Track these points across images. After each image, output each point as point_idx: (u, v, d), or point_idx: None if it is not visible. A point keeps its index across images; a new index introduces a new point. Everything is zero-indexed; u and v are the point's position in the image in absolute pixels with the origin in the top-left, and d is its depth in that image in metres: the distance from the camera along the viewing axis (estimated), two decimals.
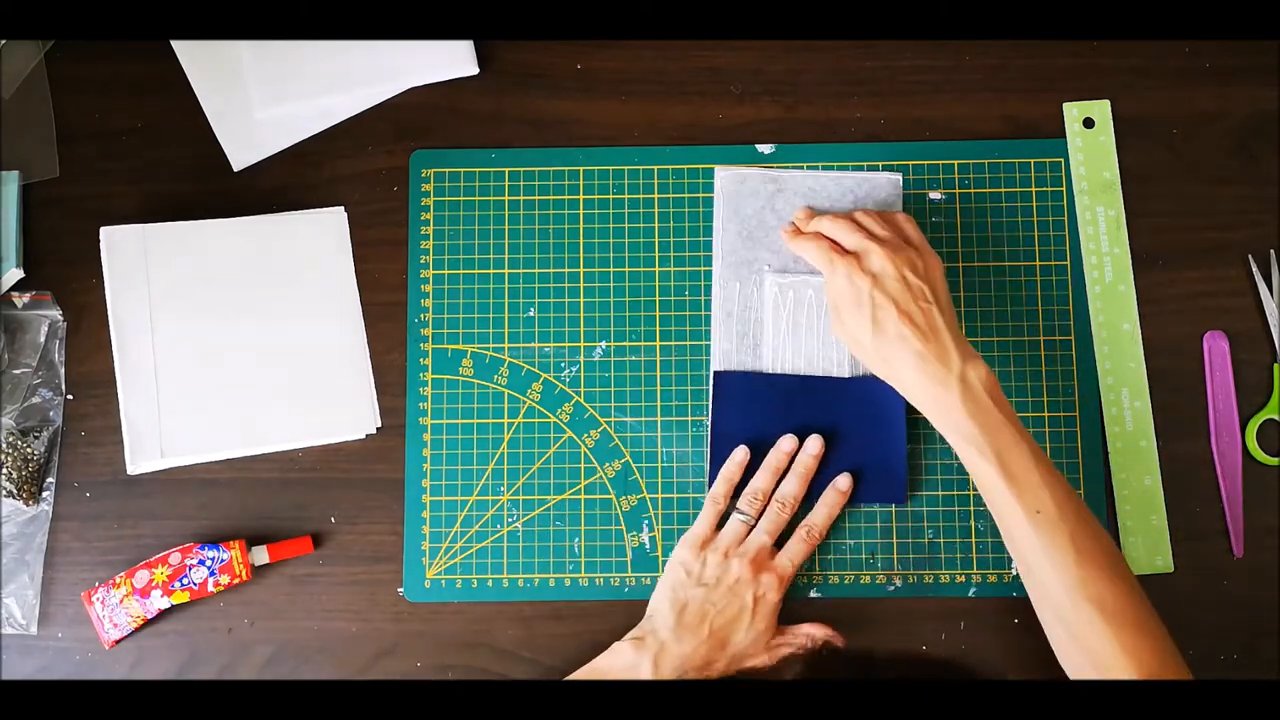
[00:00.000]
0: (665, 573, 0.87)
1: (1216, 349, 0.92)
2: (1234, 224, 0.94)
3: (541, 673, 0.89)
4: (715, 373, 0.92)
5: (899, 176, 0.94)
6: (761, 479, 0.89)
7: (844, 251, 0.85)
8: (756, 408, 0.91)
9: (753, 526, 0.88)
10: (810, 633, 0.87)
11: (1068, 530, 0.76)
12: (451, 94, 0.97)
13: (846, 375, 0.91)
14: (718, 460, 0.90)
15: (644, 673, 0.83)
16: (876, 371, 0.84)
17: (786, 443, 0.89)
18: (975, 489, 0.90)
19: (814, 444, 0.89)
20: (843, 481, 0.89)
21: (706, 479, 0.91)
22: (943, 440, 0.91)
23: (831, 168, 0.94)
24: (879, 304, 0.82)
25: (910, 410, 0.91)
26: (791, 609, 0.90)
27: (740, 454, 0.89)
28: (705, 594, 0.85)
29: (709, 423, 0.91)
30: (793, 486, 0.88)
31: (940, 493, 0.91)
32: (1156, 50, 0.96)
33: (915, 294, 0.82)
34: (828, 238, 0.87)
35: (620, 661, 0.84)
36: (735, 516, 0.88)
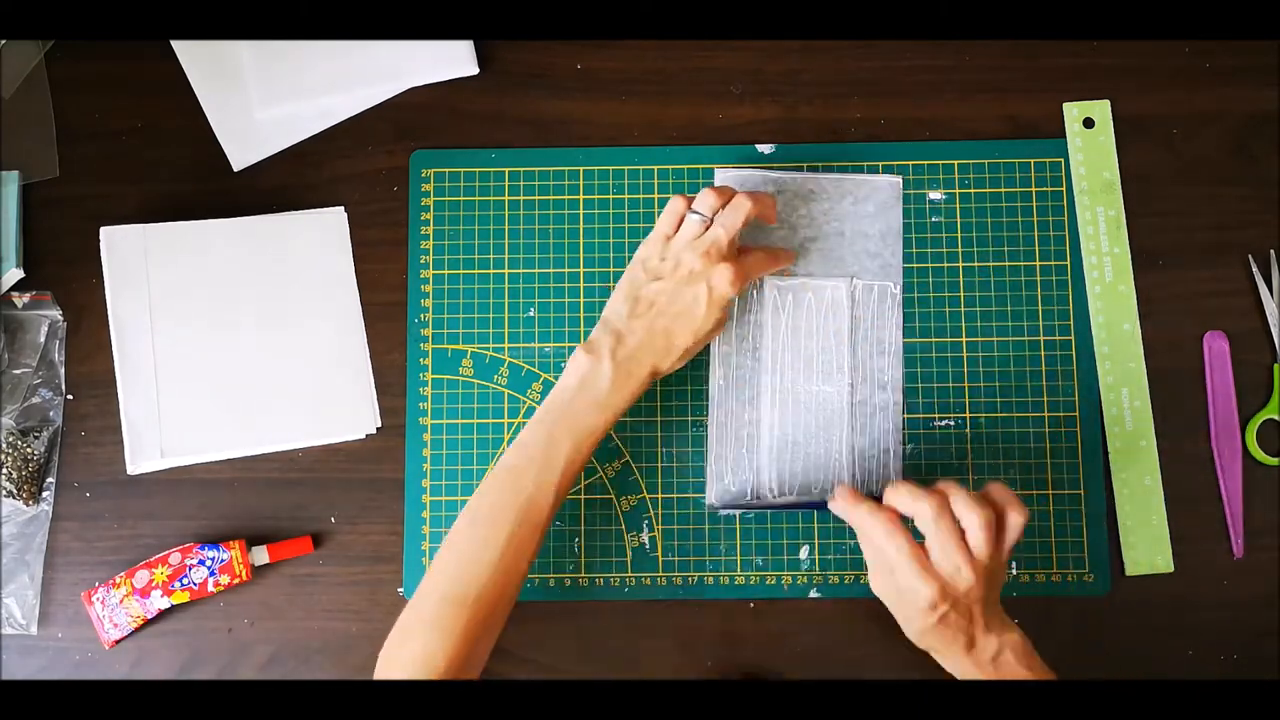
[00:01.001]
0: (625, 272, 0.87)
1: (1216, 349, 0.92)
2: (1234, 224, 0.94)
3: (541, 673, 0.89)
4: (711, 383, 0.92)
5: (899, 179, 0.94)
6: (725, 188, 0.87)
7: (928, 563, 0.77)
8: (753, 419, 0.91)
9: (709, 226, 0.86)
10: (763, 256, 0.88)
11: None
12: (451, 94, 0.97)
13: (846, 382, 0.91)
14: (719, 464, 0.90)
15: (604, 369, 0.82)
16: (911, 637, 0.80)
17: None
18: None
19: (770, 197, 0.88)
20: (769, 197, 0.88)
21: (706, 480, 0.91)
22: (941, 441, 0.91)
23: (832, 168, 0.95)
24: (938, 612, 0.76)
25: (907, 411, 0.91)
26: (791, 607, 0.90)
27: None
28: (661, 286, 0.84)
29: (706, 435, 0.91)
30: (748, 196, 0.86)
31: None
32: (1156, 50, 0.96)
33: (972, 600, 0.77)
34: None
35: (578, 369, 0.83)
36: (690, 216, 0.85)
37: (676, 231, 0.86)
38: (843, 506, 0.80)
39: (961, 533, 0.76)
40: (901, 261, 0.93)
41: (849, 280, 0.92)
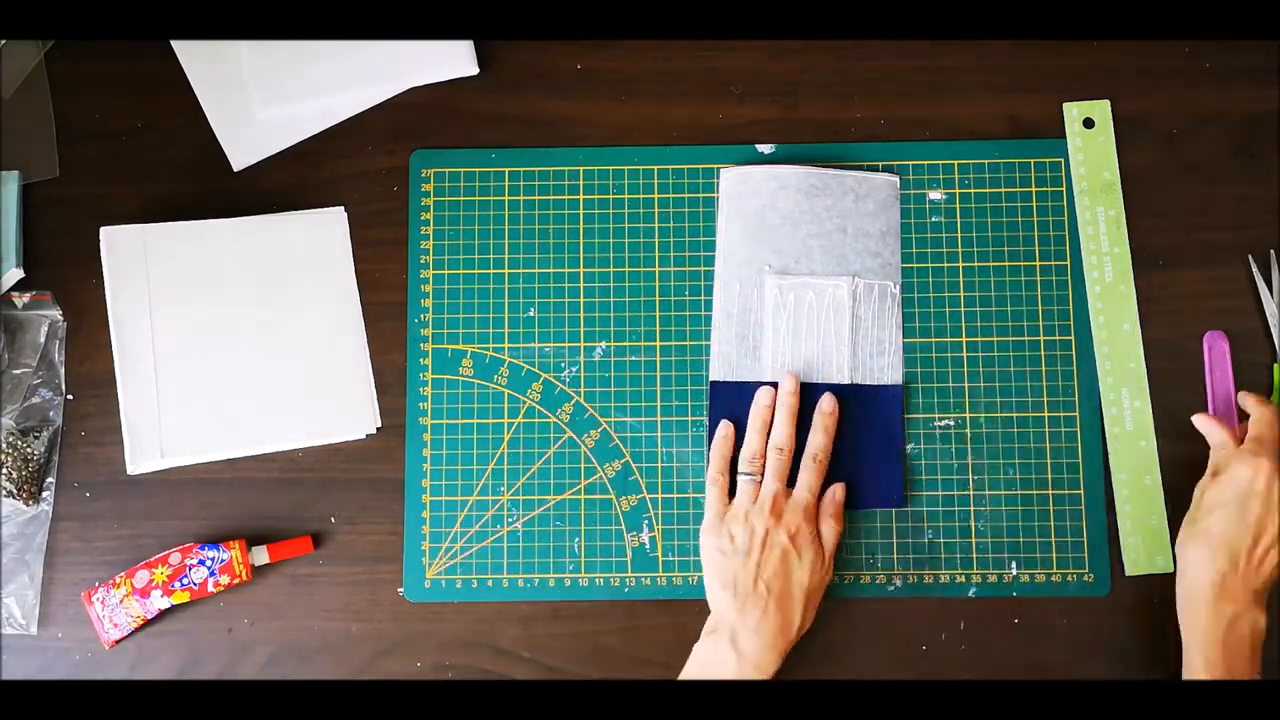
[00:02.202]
0: (704, 565, 0.87)
1: (1216, 349, 0.92)
2: (1234, 224, 0.94)
3: (541, 673, 0.89)
4: (712, 383, 0.92)
5: (896, 179, 0.94)
6: (752, 439, 0.89)
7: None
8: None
9: (760, 484, 0.88)
10: (832, 514, 0.88)
11: None
12: (451, 94, 0.97)
13: (846, 381, 0.91)
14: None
15: (728, 662, 0.82)
16: (1184, 528, 0.86)
17: (764, 396, 0.90)
18: (975, 489, 0.91)
19: (789, 382, 0.90)
20: (826, 404, 0.89)
21: (706, 481, 0.91)
22: (942, 441, 0.91)
23: (832, 167, 0.94)
24: (1247, 517, 0.83)
25: (907, 412, 0.91)
26: None
27: (724, 429, 0.90)
28: (744, 561, 0.84)
29: (706, 434, 0.91)
30: (782, 431, 0.88)
31: (940, 493, 0.91)
32: (1156, 50, 0.96)
33: (1276, 536, 0.83)
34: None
35: (701, 659, 0.84)
36: (741, 480, 0.88)
37: (727, 506, 0.87)
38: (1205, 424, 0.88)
39: None
40: (900, 261, 0.93)
41: (851, 279, 0.92)
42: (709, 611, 0.87)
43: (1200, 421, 0.89)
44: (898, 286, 0.92)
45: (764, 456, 0.88)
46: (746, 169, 0.94)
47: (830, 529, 0.87)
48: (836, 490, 0.89)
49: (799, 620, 0.84)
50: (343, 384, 0.93)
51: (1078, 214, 0.94)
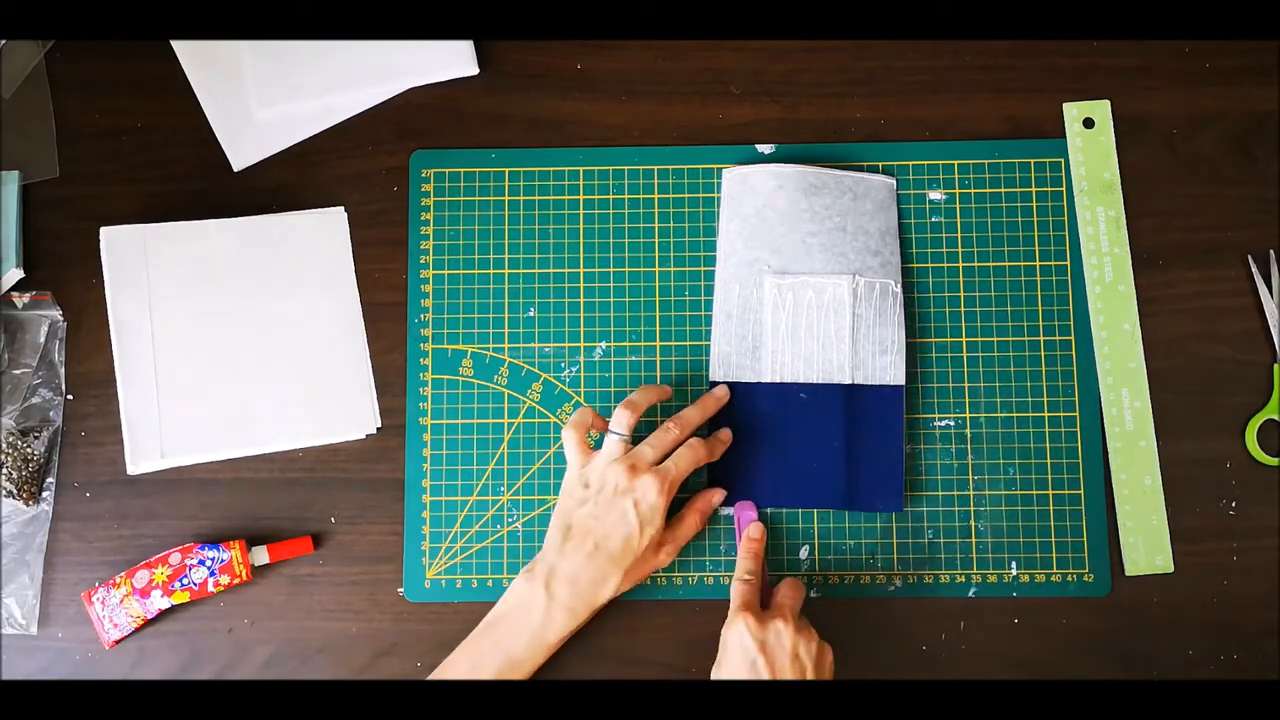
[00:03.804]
0: (556, 509, 0.86)
1: (744, 518, 0.89)
2: (1234, 224, 0.94)
3: (542, 673, 0.89)
4: (711, 383, 0.92)
5: (893, 180, 0.94)
6: (643, 401, 0.87)
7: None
8: (753, 418, 0.91)
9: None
10: (699, 509, 0.87)
11: None
12: (451, 94, 0.97)
13: (846, 381, 0.91)
14: (716, 469, 0.90)
15: (537, 601, 0.82)
16: None
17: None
18: (975, 489, 0.91)
19: (720, 389, 0.90)
20: (719, 390, 0.89)
21: (706, 481, 0.91)
22: (941, 441, 0.91)
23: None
24: (760, 673, 0.80)
25: (908, 410, 0.91)
26: None
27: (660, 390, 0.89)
28: (588, 510, 0.84)
29: (706, 434, 0.91)
30: (683, 412, 0.87)
31: (940, 493, 0.91)
32: (1156, 50, 0.96)
33: (801, 674, 0.80)
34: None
35: (514, 597, 0.84)
36: (609, 436, 0.85)
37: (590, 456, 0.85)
38: None
39: None
40: (900, 260, 0.93)
41: (851, 277, 0.92)
42: (709, 611, 0.87)
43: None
44: (899, 285, 0.92)
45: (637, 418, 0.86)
46: (746, 169, 0.94)
47: (690, 522, 0.87)
48: (714, 493, 0.89)
49: (614, 585, 0.83)
50: (343, 384, 0.93)
51: (1078, 214, 0.94)
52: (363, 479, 0.92)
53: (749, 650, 0.79)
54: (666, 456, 0.85)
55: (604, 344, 0.93)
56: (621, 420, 0.85)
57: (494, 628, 0.83)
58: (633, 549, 0.83)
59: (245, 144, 0.96)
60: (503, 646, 0.83)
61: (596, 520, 0.83)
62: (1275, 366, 0.92)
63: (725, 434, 0.89)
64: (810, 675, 0.80)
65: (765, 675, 0.79)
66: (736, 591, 0.83)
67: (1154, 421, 0.91)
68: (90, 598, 0.88)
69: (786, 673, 0.79)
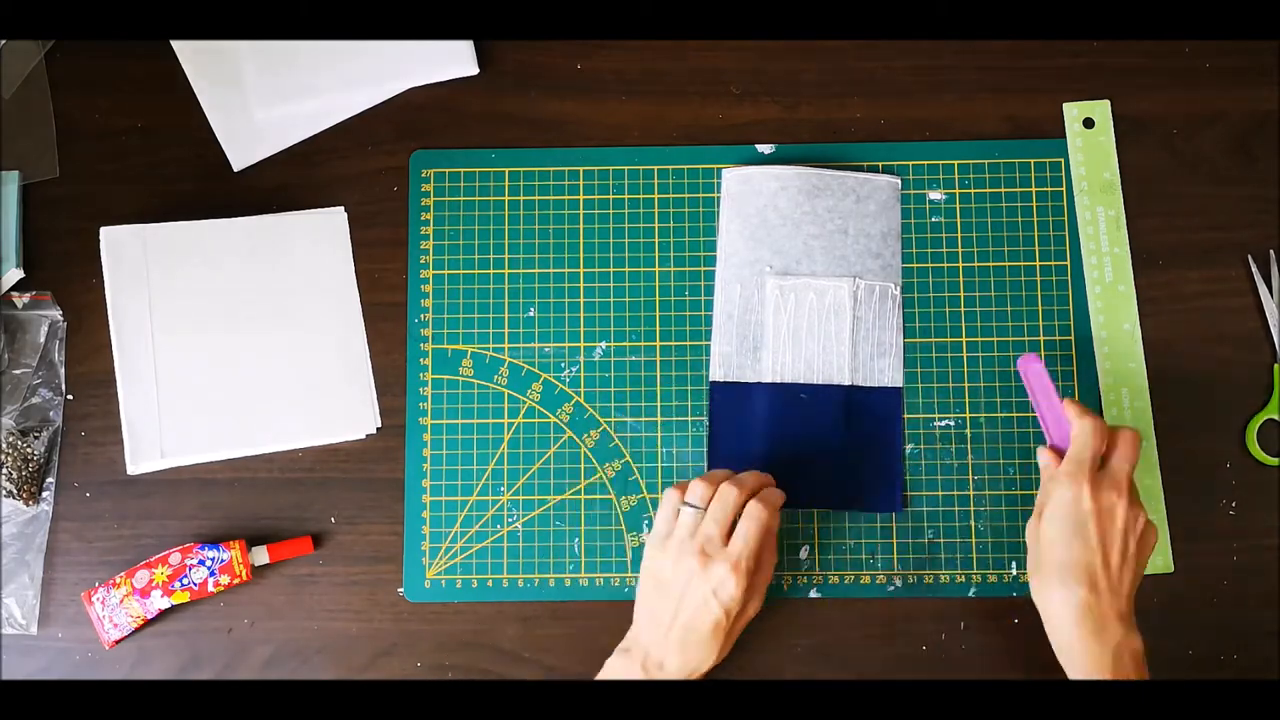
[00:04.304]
0: (640, 582, 0.84)
1: (1034, 371, 0.86)
2: (1234, 224, 0.94)
3: (541, 673, 0.89)
4: (711, 383, 0.92)
5: (898, 180, 0.94)
6: (714, 474, 0.85)
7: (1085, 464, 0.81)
8: (754, 418, 0.91)
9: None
10: (770, 546, 0.85)
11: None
12: (451, 94, 0.97)
13: (846, 383, 0.91)
14: (715, 466, 0.90)
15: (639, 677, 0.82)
16: (1031, 576, 0.81)
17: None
18: (975, 489, 0.91)
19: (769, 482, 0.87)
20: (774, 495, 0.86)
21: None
22: (941, 441, 0.91)
23: (829, 170, 0.94)
24: (1089, 539, 0.79)
25: (907, 411, 0.91)
26: (791, 607, 0.90)
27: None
28: (673, 593, 0.82)
29: (706, 435, 0.91)
30: (748, 478, 0.85)
31: (940, 493, 0.91)
32: (1156, 50, 0.96)
33: (1124, 552, 0.79)
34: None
35: (611, 676, 0.83)
36: (684, 509, 0.83)
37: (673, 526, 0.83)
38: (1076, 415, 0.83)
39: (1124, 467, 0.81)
40: (901, 263, 0.93)
41: (852, 280, 0.92)
42: None
43: (1040, 456, 0.84)
44: (899, 288, 0.92)
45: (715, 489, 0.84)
46: (748, 169, 0.94)
47: (768, 565, 0.85)
48: (775, 516, 0.84)
49: (714, 658, 0.82)
50: (343, 384, 0.93)
51: (1078, 214, 0.94)
52: (363, 479, 0.92)
53: (1083, 516, 0.79)
54: (732, 524, 0.83)
55: (604, 344, 0.93)
56: (696, 493, 0.83)
57: None
58: (722, 628, 0.82)
59: (245, 144, 0.96)
60: None
61: (680, 604, 0.82)
62: (1275, 366, 0.92)
63: (776, 494, 0.86)
64: (1132, 553, 0.80)
65: (1094, 543, 0.79)
66: (1074, 452, 0.81)
67: (1154, 421, 0.91)
68: (90, 598, 0.88)
69: (1114, 550, 0.79)
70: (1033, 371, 0.86)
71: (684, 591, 0.81)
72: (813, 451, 0.90)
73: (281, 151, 0.96)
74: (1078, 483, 0.80)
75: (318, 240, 0.94)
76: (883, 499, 0.90)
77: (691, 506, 0.83)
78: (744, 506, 0.83)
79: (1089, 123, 0.95)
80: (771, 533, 0.84)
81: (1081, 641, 0.78)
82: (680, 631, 0.82)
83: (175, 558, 0.88)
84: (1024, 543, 0.90)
